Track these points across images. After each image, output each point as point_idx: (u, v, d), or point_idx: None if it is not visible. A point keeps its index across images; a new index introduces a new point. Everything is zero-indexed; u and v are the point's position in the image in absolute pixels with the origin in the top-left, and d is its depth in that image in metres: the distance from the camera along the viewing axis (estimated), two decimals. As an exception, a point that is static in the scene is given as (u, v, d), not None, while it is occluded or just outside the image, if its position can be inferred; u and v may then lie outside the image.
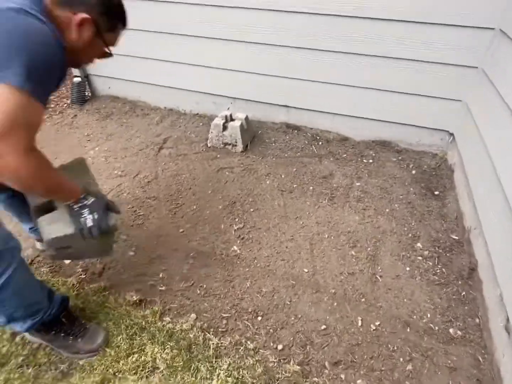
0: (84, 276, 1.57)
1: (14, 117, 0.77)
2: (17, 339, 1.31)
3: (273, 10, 2.28)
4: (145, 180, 2.19)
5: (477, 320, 1.44)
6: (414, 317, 1.45)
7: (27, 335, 1.28)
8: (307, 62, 2.42)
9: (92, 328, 1.29)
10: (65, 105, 3.22)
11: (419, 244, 1.78)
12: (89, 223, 1.03)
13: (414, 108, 2.34)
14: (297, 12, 2.23)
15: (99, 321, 1.37)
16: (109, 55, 1.07)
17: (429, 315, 1.46)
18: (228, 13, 2.39)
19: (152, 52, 2.82)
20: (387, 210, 1.99)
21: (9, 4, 0.80)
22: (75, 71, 3.11)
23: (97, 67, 3.07)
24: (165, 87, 2.98)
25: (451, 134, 2.35)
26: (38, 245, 1.59)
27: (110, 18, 0.99)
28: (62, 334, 1.23)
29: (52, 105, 3.22)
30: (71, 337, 1.23)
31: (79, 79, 3.12)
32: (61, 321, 1.22)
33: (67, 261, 1.64)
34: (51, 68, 0.85)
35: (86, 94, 3.22)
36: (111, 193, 2.07)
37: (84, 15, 0.90)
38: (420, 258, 1.71)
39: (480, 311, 1.46)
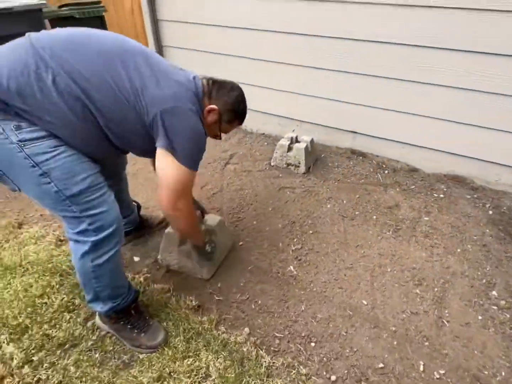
0: (150, 275, 1.68)
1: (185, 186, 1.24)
2: (89, 324, 1.44)
3: (348, 38, 2.32)
4: (211, 191, 2.30)
5: None
6: (486, 372, 1.30)
7: (97, 320, 1.40)
8: (377, 89, 2.40)
9: (154, 325, 1.37)
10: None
11: (494, 292, 1.62)
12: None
13: (494, 143, 2.18)
14: (371, 41, 2.25)
15: (160, 319, 1.45)
16: (219, 138, 1.43)
17: (503, 373, 1.30)
18: (301, 39, 2.49)
19: (223, 72, 3.01)
20: (458, 250, 1.85)
21: (188, 104, 1.17)
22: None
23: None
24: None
25: (538, 175, 2.13)
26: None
27: (232, 115, 1.36)
28: (129, 326, 1.32)
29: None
30: (136, 330, 1.32)
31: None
32: (130, 312, 1.32)
33: (136, 259, 1.78)
34: (203, 147, 1.27)
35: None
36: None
37: (213, 106, 1.28)
38: (495, 307, 1.55)
39: None
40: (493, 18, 1.88)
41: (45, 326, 1.41)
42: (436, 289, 1.63)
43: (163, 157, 1.16)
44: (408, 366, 1.32)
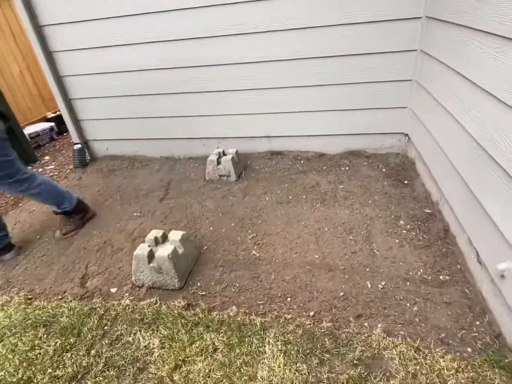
0: (133, 297, 1.82)
1: None
2: (92, 352, 1.53)
3: (256, 62, 2.82)
4: (162, 215, 2.50)
5: (459, 266, 1.80)
6: (410, 273, 1.79)
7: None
8: (277, 98, 2.93)
9: None
10: (68, 170, 3.54)
11: (401, 222, 2.17)
12: None
13: (373, 119, 2.86)
14: (266, 61, 2.78)
15: (159, 324, 1.61)
16: None
17: (421, 270, 1.81)
18: (211, 70, 2.91)
19: (143, 111, 3.26)
20: (370, 201, 2.40)
21: None
22: (75, 139, 3.48)
23: (95, 132, 3.47)
24: (159, 139, 3.40)
25: (406, 135, 2.87)
26: None
27: None
28: None
29: (56, 173, 3.54)
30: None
31: (79, 145, 3.48)
32: None
33: (113, 290, 1.89)
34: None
35: (87, 158, 3.57)
36: (135, 232, 2.36)
37: None
38: (404, 231, 2.09)
39: (459, 259, 1.83)
40: (341, 31, 2.55)
41: (49, 370, 1.46)
42: (362, 232, 2.12)
43: None
44: (360, 288, 1.74)
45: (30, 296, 1.90)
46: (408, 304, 1.62)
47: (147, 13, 2.75)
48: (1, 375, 1.45)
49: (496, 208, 1.46)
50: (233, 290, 1.81)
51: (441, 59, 2.10)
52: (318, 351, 1.43)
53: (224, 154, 2.96)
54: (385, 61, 2.59)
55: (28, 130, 4.26)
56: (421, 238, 2.02)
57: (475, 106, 1.65)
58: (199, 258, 2.06)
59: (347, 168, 2.87)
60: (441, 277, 1.76)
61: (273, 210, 2.43)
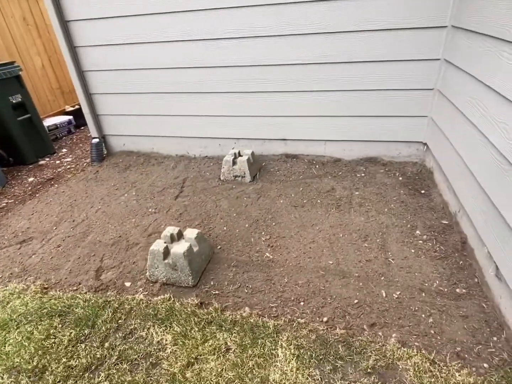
0: (146, 292, 1.84)
1: None
2: (106, 344, 1.54)
3: (278, 64, 2.83)
4: (177, 213, 2.52)
5: (476, 280, 1.77)
6: (426, 284, 1.77)
7: None
8: (295, 102, 2.93)
9: None
10: (85, 164, 3.59)
11: (418, 232, 2.15)
12: None
13: (391, 127, 2.84)
14: (283, 64, 2.78)
15: (172, 321, 1.62)
16: None
17: (437, 282, 1.78)
18: (227, 71, 2.92)
19: (161, 109, 3.29)
20: (385, 209, 2.38)
21: None
22: (93, 133, 3.53)
23: (113, 127, 3.52)
24: (175, 137, 3.43)
25: (425, 144, 2.84)
26: None
27: None
28: None
29: (73, 165, 3.59)
30: None
31: (97, 139, 3.53)
32: None
33: (127, 284, 1.91)
34: None
35: (104, 152, 3.62)
36: (150, 228, 2.38)
37: None
38: (421, 242, 2.07)
39: (477, 272, 1.80)
40: (364, 37, 2.54)
41: (63, 359, 1.48)
42: (378, 240, 2.10)
43: None
44: (374, 296, 1.72)
45: (46, 286, 1.93)
46: (423, 315, 1.60)
47: (171, 12, 2.78)
48: (17, 362, 1.48)
49: (519, 223, 1.44)
50: (246, 291, 1.81)
51: (466, 69, 2.07)
52: (331, 357, 1.42)
53: (240, 155, 2.97)
54: (407, 69, 2.57)
55: (47, 122, 4.34)
56: (437, 249, 2.00)
57: (503, 119, 1.62)
58: (212, 257, 2.06)
59: (362, 174, 2.85)
60: (457, 289, 1.73)
61: (287, 213, 2.43)
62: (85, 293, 1.87)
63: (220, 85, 3.01)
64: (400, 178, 2.75)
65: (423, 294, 1.72)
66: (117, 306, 1.75)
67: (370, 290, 1.76)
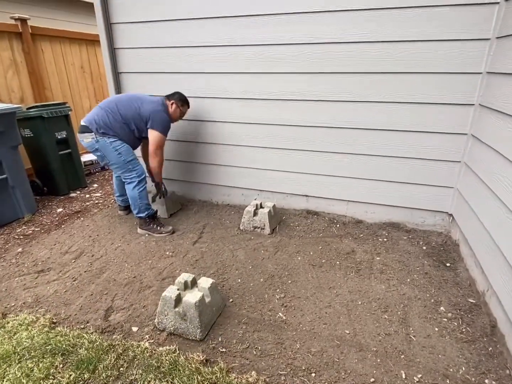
0: (152, 341, 1.78)
1: (161, 143, 2.77)
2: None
3: (294, 125, 2.96)
4: (193, 259, 2.51)
5: (507, 371, 1.60)
6: (451, 370, 1.62)
7: (138, 230, 2.94)
8: (320, 161, 3.00)
9: (167, 224, 2.97)
10: (113, 200, 3.73)
11: (442, 308, 2.02)
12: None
13: (417, 194, 2.82)
14: (309, 126, 2.91)
15: (174, 376, 1.54)
16: (181, 118, 2.97)
17: (464, 368, 1.63)
18: (253, 127, 3.08)
19: (187, 156, 3.45)
20: (408, 280, 2.27)
21: (159, 107, 2.75)
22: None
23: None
24: (200, 183, 3.54)
25: (450, 215, 2.78)
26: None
27: (182, 102, 2.85)
28: (155, 224, 2.90)
29: (101, 201, 3.73)
30: (158, 226, 2.90)
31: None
32: (155, 217, 2.93)
33: (134, 329, 1.86)
34: (168, 125, 2.79)
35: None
36: (165, 271, 2.37)
37: (172, 101, 2.81)
38: (445, 320, 1.93)
39: (508, 363, 1.64)
40: (392, 107, 2.65)
41: (58, 405, 1.42)
42: (399, 313, 1.98)
43: (151, 132, 2.73)
44: (393, 377, 1.58)
45: (54, 320, 1.91)
46: (447, 407, 1.44)
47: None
48: (12, 401, 1.42)
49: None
50: (255, 352, 1.72)
51: (492, 145, 2.08)
52: None
53: (261, 207, 3.01)
54: (437, 141, 2.61)
55: (84, 158, 4.62)
56: (463, 330, 1.85)
57: (533, 200, 1.59)
58: (223, 310, 2.00)
59: (385, 239, 2.78)
60: (486, 380, 1.57)
61: (304, 272, 2.37)
62: (92, 333, 1.83)
63: (246, 139, 3.16)
64: (424, 248, 2.66)
65: (448, 381, 1.56)
66: (121, 351, 1.69)
67: (388, 369, 1.62)
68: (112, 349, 1.71)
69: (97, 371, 1.59)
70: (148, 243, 2.75)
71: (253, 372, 1.60)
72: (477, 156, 2.36)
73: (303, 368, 1.63)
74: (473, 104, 2.44)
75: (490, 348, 1.73)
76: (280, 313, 1.99)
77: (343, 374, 1.60)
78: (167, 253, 2.60)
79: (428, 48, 2.41)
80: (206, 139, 3.32)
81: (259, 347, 1.75)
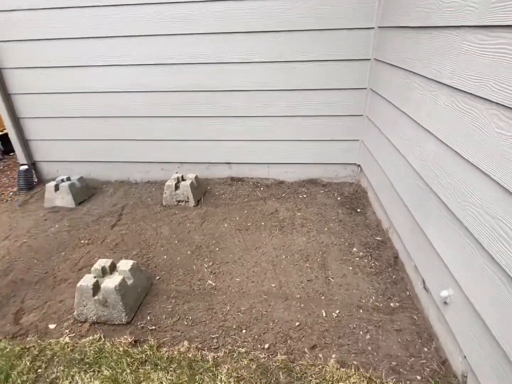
0: (73, 334, 1.66)
1: None
2: None
3: (223, 90, 2.86)
4: (113, 243, 2.36)
5: (408, 293, 1.87)
6: (363, 301, 1.83)
7: None
8: (239, 126, 2.98)
9: None
10: (11, 193, 3.27)
11: (354, 249, 2.24)
12: None
13: (329, 150, 3.00)
14: (223, 90, 2.83)
15: (100, 365, 1.47)
16: None
17: (373, 297, 1.85)
18: (171, 95, 2.91)
19: (98, 133, 3.14)
20: (325, 229, 2.45)
21: None
22: (22, 160, 3.25)
23: (45, 153, 3.28)
24: (114, 162, 3.27)
25: (359, 166, 3.02)
26: None
27: None
28: None
29: (-4, 195, 3.25)
30: None
31: (25, 166, 3.25)
32: None
33: (52, 326, 1.71)
34: None
35: (34, 180, 3.33)
36: (81, 261, 2.19)
37: None
38: (357, 258, 2.15)
39: (408, 286, 1.91)
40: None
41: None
42: (318, 259, 2.15)
43: None
44: (315, 317, 1.73)
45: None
46: (361, 333, 1.64)
47: (110, 36, 2.72)
48: None
49: (439, 238, 1.56)
50: (186, 323, 1.72)
51: (387, 97, 2.27)
52: (272, 386, 1.38)
53: (183, 179, 2.91)
54: (340, 97, 2.75)
55: (-33, 148, 3.91)
56: (372, 265, 2.09)
57: (416, 142, 1.79)
58: (150, 289, 1.94)
59: (304, 196, 2.94)
60: (391, 304, 1.81)
61: (231, 237, 2.40)
62: (0, 340, 1.64)
63: (160, 109, 2.97)
64: (339, 198, 2.88)
65: (361, 311, 1.76)
66: (37, 353, 1.55)
67: (311, 311, 1.77)
68: (26, 353, 1.56)
69: (10, 379, 1.44)
70: (59, 234, 2.50)
71: (185, 341, 1.60)
72: (375, 108, 2.57)
73: (234, 327, 1.69)
74: (369, 59, 2.60)
75: (394, 276, 1.99)
76: (209, 281, 2.00)
77: (271, 324, 1.69)
78: (82, 241, 2.39)
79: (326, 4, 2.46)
80: (115, 112, 3.03)
81: (190, 317, 1.75)
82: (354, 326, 1.68)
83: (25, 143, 3.23)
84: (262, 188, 3.10)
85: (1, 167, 4.03)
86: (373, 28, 2.50)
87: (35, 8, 2.68)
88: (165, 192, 2.84)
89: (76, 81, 2.92)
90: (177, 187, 2.83)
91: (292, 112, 2.87)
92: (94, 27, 2.69)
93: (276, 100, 2.84)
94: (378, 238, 2.32)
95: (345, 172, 3.09)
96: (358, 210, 2.68)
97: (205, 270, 2.09)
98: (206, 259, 2.19)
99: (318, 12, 2.48)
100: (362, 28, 2.51)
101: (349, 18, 2.47)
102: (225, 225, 2.55)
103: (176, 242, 2.36)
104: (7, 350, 1.57)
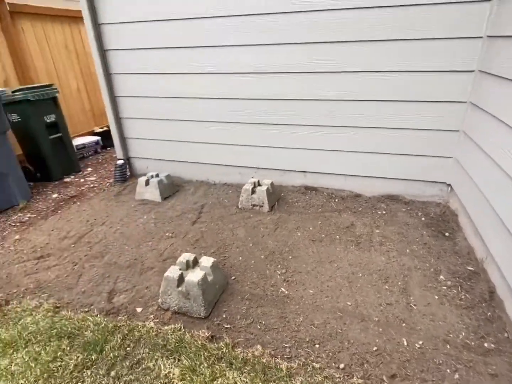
0: (157, 320, 1.80)
1: None
2: (112, 373, 1.50)
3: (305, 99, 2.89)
4: (193, 239, 2.51)
5: (506, 335, 1.65)
6: (451, 335, 1.66)
7: None
8: (318, 136, 2.95)
9: None
10: (108, 184, 3.68)
11: (441, 277, 2.05)
12: None
13: (416, 166, 2.80)
14: (306, 100, 2.84)
15: (181, 353, 1.57)
16: None
17: (463, 333, 1.67)
18: (252, 103, 3.01)
19: (186, 135, 3.38)
20: (407, 250, 2.29)
21: None
22: (119, 155, 3.64)
23: (138, 150, 3.63)
24: (197, 163, 3.49)
25: (449, 185, 2.77)
26: None
27: None
28: None
29: (96, 184, 3.68)
30: None
31: (122, 161, 3.64)
32: None
33: (139, 309, 1.88)
34: None
35: (127, 174, 3.71)
36: (166, 252, 2.37)
37: None
38: (445, 288, 1.96)
39: (507, 326, 1.68)
40: (390, 77, 2.58)
41: (68, 385, 1.44)
42: (399, 283, 2.01)
43: None
44: (395, 344, 1.62)
45: (58, 305, 1.92)
46: (448, 370, 1.49)
47: (200, 46, 2.92)
48: (22, 384, 1.44)
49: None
50: (259, 327, 1.74)
51: (492, 112, 2.05)
52: (347, 409, 1.33)
53: (259, 184, 2.98)
54: (433, 110, 2.56)
55: (76, 142, 4.52)
56: (463, 297, 1.89)
57: (535, 166, 1.57)
58: (226, 288, 2.02)
59: (383, 212, 2.79)
60: (485, 344, 1.61)
61: (304, 247, 2.38)
62: (96, 315, 1.84)
63: (243, 116, 3.09)
64: (423, 219, 2.67)
65: (448, 346, 1.60)
66: (126, 332, 1.71)
67: (390, 337, 1.66)
68: (118, 330, 1.73)
69: (104, 352, 1.61)
70: (147, 225, 2.74)
71: (258, 345, 1.62)
72: (476, 123, 2.33)
73: (307, 340, 1.66)
74: (473, 71, 2.38)
75: (489, 313, 1.77)
76: (282, 288, 2.01)
77: (346, 344, 1.63)
78: (167, 234, 2.59)
79: (429, 11, 2.31)
80: (203, 117, 3.24)
81: (263, 322, 1.77)
82: (440, 361, 1.53)
83: (123, 140, 3.62)
84: (337, 200, 3.02)
85: (100, 160, 4.57)
86: (481, 37, 2.28)
87: (143, 21, 2.99)
88: (242, 195, 2.93)
89: (169, 86, 3.18)
90: (253, 191, 2.91)
91: (377, 124, 2.75)
92: (193, 37, 2.91)
93: (363, 111, 2.75)
94: (470, 268, 2.09)
95: (432, 190, 2.86)
96: (446, 234, 2.45)
97: (278, 276, 2.10)
98: (279, 266, 2.20)
99: (417, 21, 2.34)
100: (467, 37, 2.30)
101: (453, 27, 2.29)
102: (298, 234, 2.53)
103: (251, 245, 2.42)
104: (102, 325, 1.76)
